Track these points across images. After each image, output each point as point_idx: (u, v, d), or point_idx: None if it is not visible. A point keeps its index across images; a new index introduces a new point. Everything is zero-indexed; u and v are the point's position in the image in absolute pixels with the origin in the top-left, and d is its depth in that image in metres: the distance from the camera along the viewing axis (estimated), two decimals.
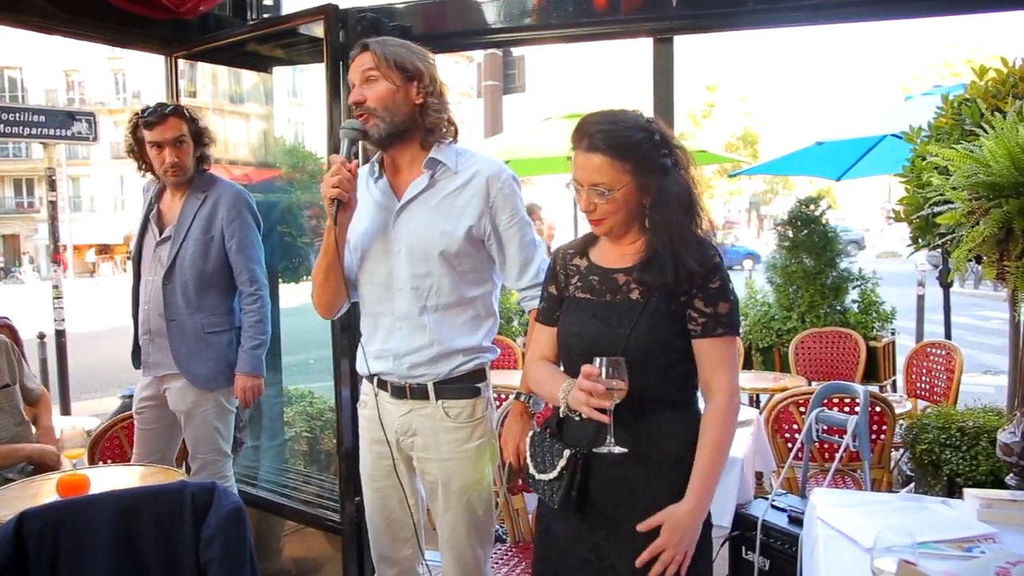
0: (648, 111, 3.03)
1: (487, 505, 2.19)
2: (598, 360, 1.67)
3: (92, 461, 3.03)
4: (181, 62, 3.62)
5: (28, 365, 3.40)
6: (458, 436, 2.12)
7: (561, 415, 1.83)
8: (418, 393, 2.12)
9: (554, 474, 1.80)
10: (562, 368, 1.90)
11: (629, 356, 1.70)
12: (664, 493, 1.74)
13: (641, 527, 1.70)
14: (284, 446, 3.94)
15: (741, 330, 1.80)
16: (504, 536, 2.85)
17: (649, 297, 1.77)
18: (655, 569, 1.68)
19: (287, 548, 3.44)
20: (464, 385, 2.13)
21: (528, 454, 1.92)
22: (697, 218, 1.79)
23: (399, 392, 2.14)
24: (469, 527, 2.15)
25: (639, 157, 1.72)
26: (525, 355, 2.08)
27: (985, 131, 2.14)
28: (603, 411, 1.66)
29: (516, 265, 2.15)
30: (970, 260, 2.23)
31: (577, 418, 1.76)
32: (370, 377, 2.19)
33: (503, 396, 3.26)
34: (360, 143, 2.12)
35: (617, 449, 1.71)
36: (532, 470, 1.88)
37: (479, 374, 2.16)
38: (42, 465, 2.98)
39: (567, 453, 1.78)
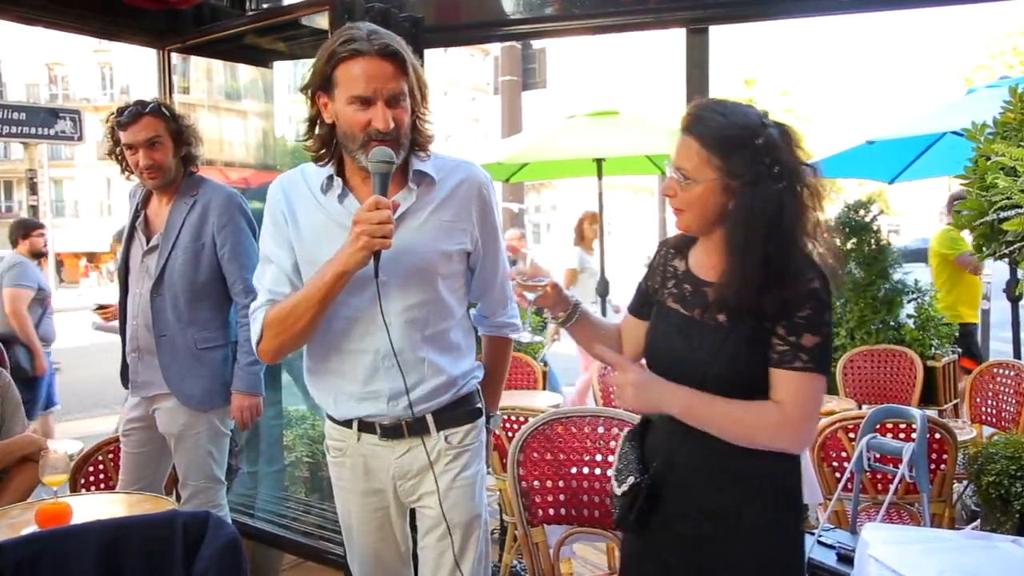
0: (681, 108, 3.05)
1: (487, 536, 2.18)
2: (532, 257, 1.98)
3: (74, 488, 3.05)
4: (174, 56, 3.66)
5: (19, 406, 3.56)
6: (459, 463, 2.08)
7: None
8: (416, 429, 2.04)
9: (619, 492, 1.89)
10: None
11: (710, 384, 1.77)
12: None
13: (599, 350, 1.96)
14: (283, 472, 3.95)
15: None
16: (523, 572, 2.84)
17: (736, 322, 1.77)
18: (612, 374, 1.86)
19: None
20: (464, 408, 2.11)
21: (616, 455, 2.01)
22: (790, 241, 1.73)
23: (392, 432, 2.05)
24: (474, 564, 2.11)
25: (730, 156, 1.71)
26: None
27: None
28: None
29: (496, 290, 2.20)
30: None
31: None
32: (347, 421, 2.08)
33: (520, 419, 3.26)
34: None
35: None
36: (613, 479, 1.96)
37: (476, 394, 2.15)
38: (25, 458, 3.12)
39: (631, 480, 1.86)
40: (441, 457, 2.06)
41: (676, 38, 3.10)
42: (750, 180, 1.71)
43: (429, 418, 2.03)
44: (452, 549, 2.06)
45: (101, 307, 5.47)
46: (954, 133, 5.31)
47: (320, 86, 1.90)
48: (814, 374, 1.72)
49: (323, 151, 1.97)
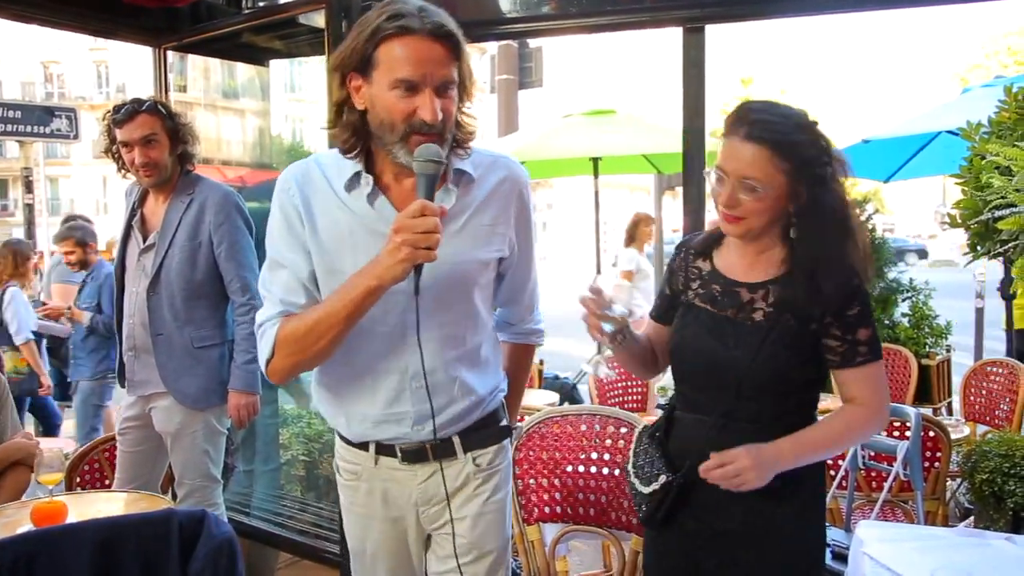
0: (678, 107, 3.05)
1: (508, 563, 1.98)
2: (599, 279, 1.82)
3: (70, 487, 3.04)
4: (170, 54, 3.65)
5: (13, 408, 3.53)
6: (489, 486, 1.86)
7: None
8: (442, 451, 1.80)
9: (647, 491, 1.88)
10: (676, 379, 1.98)
11: (745, 384, 1.79)
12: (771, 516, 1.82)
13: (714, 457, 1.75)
14: (279, 471, 3.95)
15: None
16: (519, 571, 2.85)
17: (775, 321, 1.79)
18: (710, 465, 1.74)
19: None
20: (492, 427, 1.88)
21: (632, 451, 2.00)
22: (852, 240, 1.78)
23: (415, 456, 1.80)
24: None
25: (800, 160, 1.72)
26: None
27: None
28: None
29: (527, 296, 1.99)
30: None
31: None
32: (363, 444, 1.85)
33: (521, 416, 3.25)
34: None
35: (603, 371, 1.98)
36: (632, 476, 1.95)
37: (502, 409, 1.93)
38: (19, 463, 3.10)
39: (662, 479, 1.85)
40: (470, 481, 1.84)
41: (673, 37, 3.09)
42: (819, 182, 1.73)
43: (456, 440, 1.81)
44: None
45: (43, 305, 5.43)
46: (949, 132, 5.32)
47: (356, 66, 1.62)
48: (875, 363, 1.81)
49: (353, 141, 1.69)
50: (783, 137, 1.70)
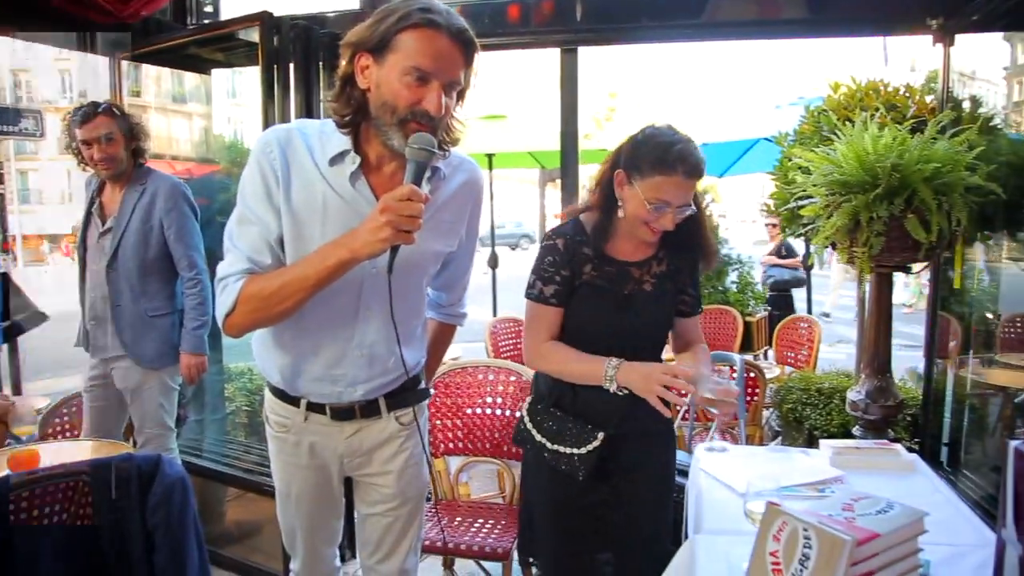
0: (557, 113, 3.07)
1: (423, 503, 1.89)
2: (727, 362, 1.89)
3: (44, 437, 2.93)
4: (125, 64, 3.48)
5: None
6: (411, 442, 1.75)
7: (611, 391, 1.81)
8: (369, 411, 1.69)
9: (583, 451, 1.85)
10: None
11: (640, 342, 1.87)
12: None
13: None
14: (225, 419, 3.85)
15: None
16: (429, 496, 2.86)
17: (661, 289, 1.90)
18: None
19: (230, 512, 3.36)
20: (413, 391, 1.75)
21: (532, 423, 1.95)
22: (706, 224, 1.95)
23: (343, 414, 1.67)
24: (415, 536, 1.84)
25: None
26: (526, 340, 1.93)
27: (839, 137, 2.24)
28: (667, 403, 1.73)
29: (462, 284, 1.86)
30: (827, 246, 2.34)
31: (622, 392, 1.80)
32: (294, 399, 1.68)
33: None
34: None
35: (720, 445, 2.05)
36: (551, 444, 1.89)
37: (421, 374, 1.82)
38: None
39: (601, 435, 1.84)
40: (394, 438, 1.73)
41: (552, 56, 3.10)
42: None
43: (381, 400, 1.69)
44: (403, 520, 1.80)
45: None
46: (766, 139, 5.55)
47: (371, 46, 1.43)
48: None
49: (351, 117, 1.49)
50: (703, 166, 1.77)
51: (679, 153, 1.72)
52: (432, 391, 2.09)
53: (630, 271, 1.88)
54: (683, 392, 1.68)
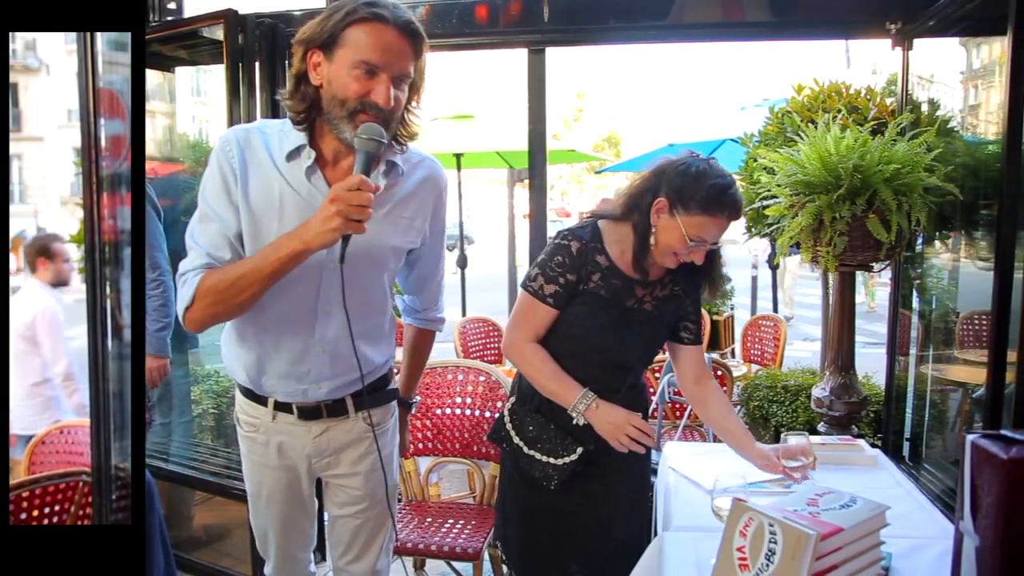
0: (525, 113, 3.08)
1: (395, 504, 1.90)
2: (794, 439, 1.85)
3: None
4: None
5: None
6: (380, 443, 1.73)
7: (574, 423, 1.81)
8: (335, 410, 1.68)
9: (559, 462, 1.84)
10: (560, 354, 1.85)
11: (628, 359, 1.86)
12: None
13: None
14: (192, 423, 3.78)
15: None
16: (399, 497, 2.84)
17: (661, 310, 1.88)
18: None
19: (197, 516, 3.31)
20: (381, 391, 1.76)
21: (512, 425, 1.92)
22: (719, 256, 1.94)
23: (310, 413, 1.67)
24: (385, 537, 1.85)
25: None
26: (510, 330, 1.89)
27: (802, 138, 2.28)
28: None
29: (434, 287, 1.83)
30: (792, 246, 2.38)
31: (583, 423, 1.81)
32: (262, 398, 1.68)
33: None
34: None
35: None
36: (527, 449, 1.88)
37: (390, 374, 1.81)
38: None
39: (580, 450, 1.83)
40: (363, 439, 1.73)
41: (520, 57, 3.11)
42: None
43: (348, 400, 1.69)
44: (373, 521, 1.80)
45: None
46: (732, 140, 5.62)
47: (320, 43, 1.45)
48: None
49: (305, 113, 1.51)
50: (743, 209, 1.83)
51: (732, 198, 1.73)
52: (418, 399, 2.04)
53: (635, 288, 1.85)
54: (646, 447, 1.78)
